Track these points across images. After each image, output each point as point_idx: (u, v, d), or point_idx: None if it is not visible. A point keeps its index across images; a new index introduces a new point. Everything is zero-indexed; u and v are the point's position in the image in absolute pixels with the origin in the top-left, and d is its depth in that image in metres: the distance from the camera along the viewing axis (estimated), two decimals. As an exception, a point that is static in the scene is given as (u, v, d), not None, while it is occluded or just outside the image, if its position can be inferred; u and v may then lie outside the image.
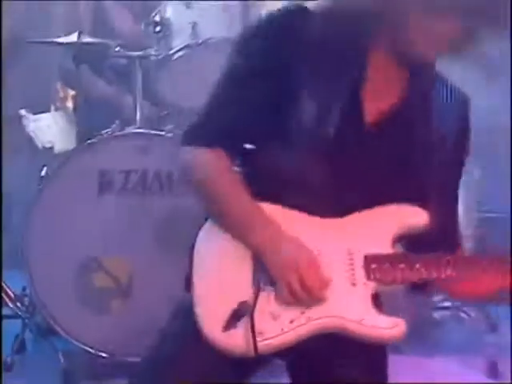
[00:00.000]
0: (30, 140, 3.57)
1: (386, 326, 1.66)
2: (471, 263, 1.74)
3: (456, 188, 1.84)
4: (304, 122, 1.77)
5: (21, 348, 3.06)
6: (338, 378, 1.76)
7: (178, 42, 3.20)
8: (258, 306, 1.65)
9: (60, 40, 3.20)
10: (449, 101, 1.86)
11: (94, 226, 2.97)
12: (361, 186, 1.73)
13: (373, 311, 1.66)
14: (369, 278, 1.67)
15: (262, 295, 1.68)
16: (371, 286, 1.67)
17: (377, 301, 1.67)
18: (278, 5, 2.15)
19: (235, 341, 1.65)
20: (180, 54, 3.19)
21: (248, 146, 1.81)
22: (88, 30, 3.63)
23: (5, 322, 3.16)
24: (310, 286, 1.65)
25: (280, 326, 1.65)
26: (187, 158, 1.82)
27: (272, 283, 1.70)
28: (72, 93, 3.58)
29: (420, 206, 1.75)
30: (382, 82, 1.76)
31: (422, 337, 3.29)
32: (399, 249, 1.76)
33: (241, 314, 1.66)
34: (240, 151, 1.82)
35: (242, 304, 1.67)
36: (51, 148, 3.37)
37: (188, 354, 1.74)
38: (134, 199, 2.96)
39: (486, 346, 3.27)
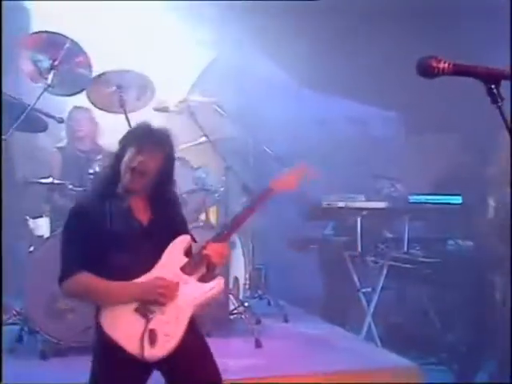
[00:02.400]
0: (30, 231, 4.40)
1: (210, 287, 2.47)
2: None
3: None
4: (115, 239, 2.46)
5: (20, 340, 3.94)
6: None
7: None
8: (151, 327, 2.32)
9: (43, 181, 4.16)
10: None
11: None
12: (150, 256, 2.50)
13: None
14: (190, 275, 2.47)
15: (152, 320, 2.36)
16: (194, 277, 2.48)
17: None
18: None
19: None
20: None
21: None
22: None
23: (11, 326, 4.03)
24: (165, 292, 2.40)
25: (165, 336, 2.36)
26: (67, 285, 2.45)
27: (150, 311, 2.37)
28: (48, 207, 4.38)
29: None
30: (141, 209, 2.59)
31: (223, 327, 4.21)
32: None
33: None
34: (92, 264, 2.44)
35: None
36: (42, 235, 4.27)
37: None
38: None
39: (254, 331, 4.07)
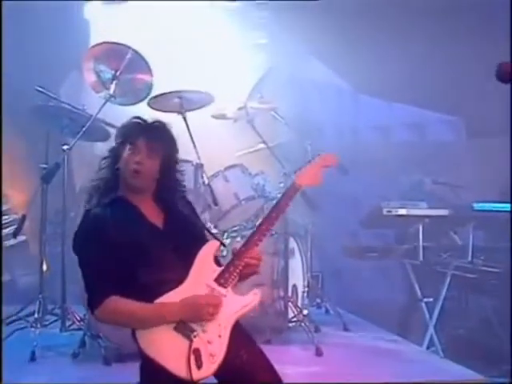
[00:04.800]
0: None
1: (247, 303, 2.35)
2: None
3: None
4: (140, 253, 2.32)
5: (82, 345, 3.93)
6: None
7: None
8: (195, 347, 2.20)
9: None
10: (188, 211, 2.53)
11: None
12: (174, 261, 2.36)
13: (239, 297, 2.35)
14: (226, 287, 2.33)
15: (195, 340, 2.22)
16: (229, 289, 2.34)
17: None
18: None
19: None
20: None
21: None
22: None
23: (75, 332, 4.06)
24: (205, 311, 2.26)
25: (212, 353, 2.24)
26: (99, 314, 2.28)
27: (192, 331, 2.23)
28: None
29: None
30: (152, 212, 2.45)
31: (282, 335, 4.28)
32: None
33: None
34: (119, 283, 2.28)
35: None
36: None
37: None
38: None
39: (314, 339, 4.05)
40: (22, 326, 4.11)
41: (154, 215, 2.48)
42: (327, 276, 5.47)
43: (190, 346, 2.22)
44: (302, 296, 4.59)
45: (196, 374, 2.22)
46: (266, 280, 4.29)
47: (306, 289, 4.63)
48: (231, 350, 2.30)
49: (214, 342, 2.27)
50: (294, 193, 2.58)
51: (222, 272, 2.38)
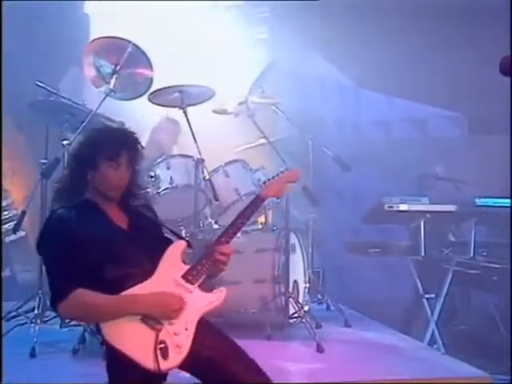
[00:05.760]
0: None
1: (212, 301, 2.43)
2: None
3: None
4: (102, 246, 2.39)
5: (82, 341, 3.88)
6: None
7: (162, 186, 4.25)
8: (161, 338, 2.25)
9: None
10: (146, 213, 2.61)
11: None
12: (140, 261, 2.44)
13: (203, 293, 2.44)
14: (193, 284, 2.42)
15: (161, 332, 2.28)
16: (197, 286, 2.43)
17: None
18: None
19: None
20: (163, 192, 4.23)
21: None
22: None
23: (75, 327, 3.98)
24: (171, 309, 2.34)
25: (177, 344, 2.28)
26: (64, 307, 2.31)
27: (159, 323, 2.29)
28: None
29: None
30: (117, 215, 2.52)
31: (283, 331, 4.25)
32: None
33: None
34: (84, 279, 2.32)
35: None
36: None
37: None
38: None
39: (315, 335, 4.03)
40: (22, 321, 4.11)
41: (119, 219, 2.56)
42: (328, 272, 5.46)
43: (157, 337, 2.28)
44: (303, 292, 4.57)
45: (162, 365, 2.27)
46: (267, 276, 4.28)
47: (307, 285, 4.61)
48: (198, 341, 2.37)
49: (181, 334, 2.34)
50: (260, 203, 2.77)
51: (190, 269, 2.47)
